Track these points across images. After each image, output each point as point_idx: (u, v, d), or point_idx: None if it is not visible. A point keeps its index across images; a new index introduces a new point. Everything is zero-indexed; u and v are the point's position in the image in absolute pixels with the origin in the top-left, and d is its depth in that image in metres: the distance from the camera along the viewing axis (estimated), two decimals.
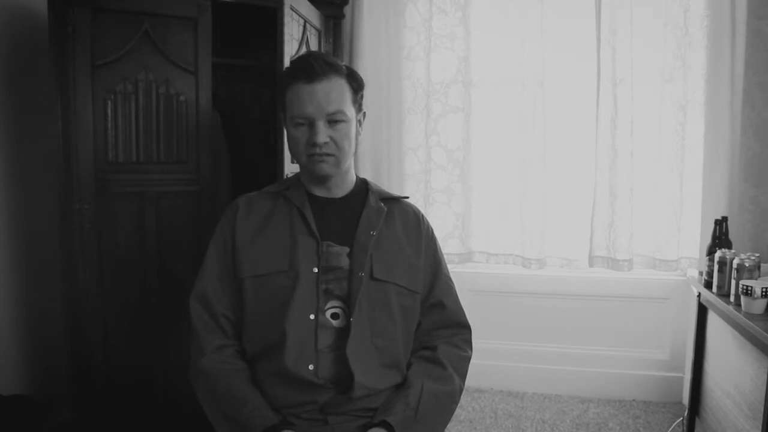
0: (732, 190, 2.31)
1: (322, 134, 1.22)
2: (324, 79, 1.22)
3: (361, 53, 2.53)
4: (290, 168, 1.92)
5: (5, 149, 2.09)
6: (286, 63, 1.82)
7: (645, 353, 2.63)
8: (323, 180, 1.30)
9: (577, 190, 2.58)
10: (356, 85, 1.28)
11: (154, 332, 1.94)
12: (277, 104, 1.33)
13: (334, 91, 1.23)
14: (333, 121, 1.23)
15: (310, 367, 1.18)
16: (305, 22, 2.13)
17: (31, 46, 2.12)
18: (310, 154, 1.25)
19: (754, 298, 1.71)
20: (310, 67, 1.22)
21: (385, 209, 1.32)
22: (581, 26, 2.46)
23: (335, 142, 1.24)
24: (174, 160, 1.93)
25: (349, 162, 1.31)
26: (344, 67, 1.28)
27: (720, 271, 1.92)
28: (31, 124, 2.16)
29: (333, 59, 1.28)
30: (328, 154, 1.24)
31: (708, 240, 2.11)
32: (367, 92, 1.36)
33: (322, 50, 2.35)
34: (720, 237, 2.06)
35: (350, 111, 1.26)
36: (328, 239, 1.26)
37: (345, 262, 1.25)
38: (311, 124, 1.23)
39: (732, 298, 1.83)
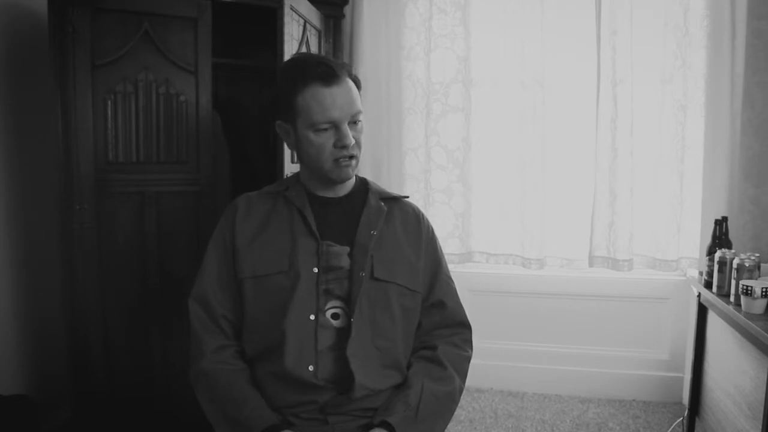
0: (732, 190, 2.31)
1: (351, 136, 1.21)
2: (341, 81, 1.21)
3: (361, 53, 2.52)
4: (290, 168, 1.91)
5: (5, 149, 2.09)
6: None
7: (645, 353, 2.63)
8: (340, 181, 1.29)
9: (577, 189, 2.58)
10: (358, 82, 1.28)
11: (153, 332, 1.94)
12: (276, 109, 1.27)
13: (352, 92, 1.22)
14: (353, 122, 1.23)
15: (310, 368, 1.18)
16: (305, 22, 2.13)
17: (31, 46, 2.12)
18: (337, 158, 1.23)
19: (754, 298, 1.71)
20: (329, 69, 1.19)
21: (385, 209, 1.32)
22: (581, 26, 2.46)
23: (357, 143, 1.24)
24: (174, 160, 1.93)
25: None
26: (348, 65, 1.28)
27: (720, 271, 1.92)
28: (31, 124, 2.16)
29: (335, 59, 1.28)
30: (352, 156, 1.24)
31: (708, 240, 2.11)
32: (367, 92, 1.37)
33: (322, 50, 2.35)
34: (720, 237, 2.06)
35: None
36: (328, 239, 1.25)
37: (345, 262, 1.24)
38: (336, 128, 1.21)
39: (732, 298, 1.83)
